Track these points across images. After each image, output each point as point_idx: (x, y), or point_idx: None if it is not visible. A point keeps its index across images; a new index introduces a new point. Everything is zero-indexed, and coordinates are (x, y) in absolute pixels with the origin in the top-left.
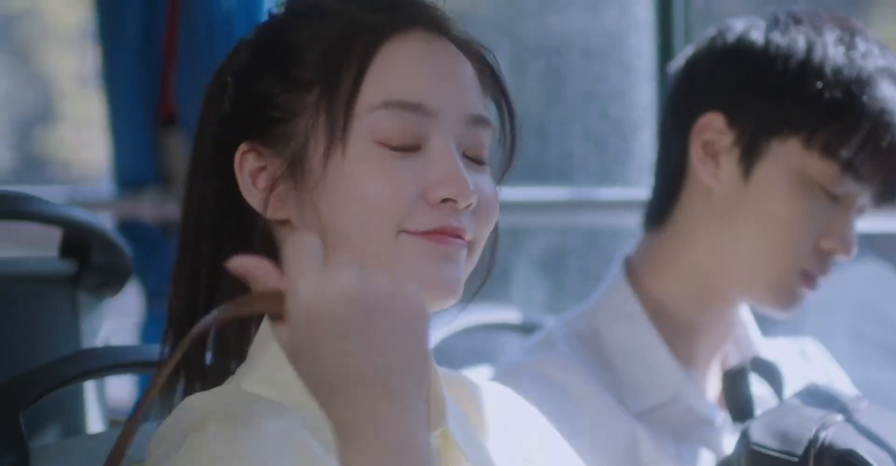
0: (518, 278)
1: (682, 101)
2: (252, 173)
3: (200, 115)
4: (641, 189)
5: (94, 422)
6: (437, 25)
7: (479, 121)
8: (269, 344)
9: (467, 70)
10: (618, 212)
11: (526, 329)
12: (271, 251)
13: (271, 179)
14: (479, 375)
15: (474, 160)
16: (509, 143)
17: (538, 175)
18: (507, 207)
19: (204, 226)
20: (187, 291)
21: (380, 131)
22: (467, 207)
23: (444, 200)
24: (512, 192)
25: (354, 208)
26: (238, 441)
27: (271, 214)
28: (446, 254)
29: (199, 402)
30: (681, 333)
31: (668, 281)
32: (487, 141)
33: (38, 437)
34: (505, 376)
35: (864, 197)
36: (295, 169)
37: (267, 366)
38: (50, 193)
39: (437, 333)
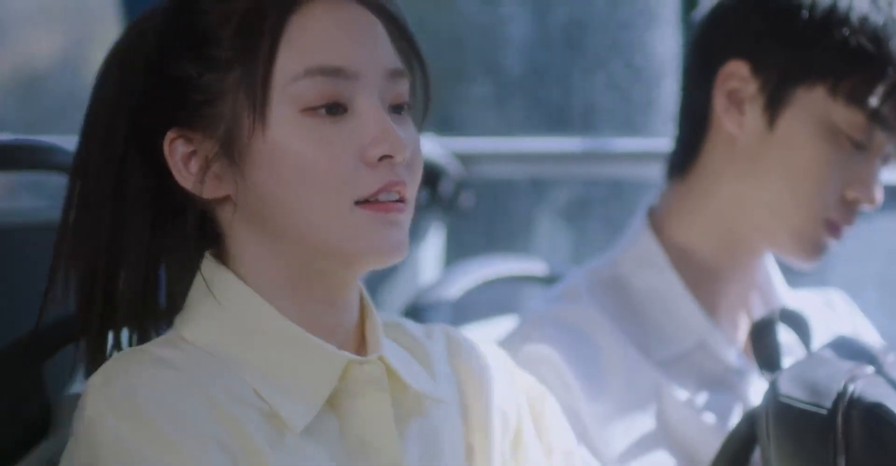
0: (541, 229)
1: (707, 49)
2: (183, 158)
3: (110, 99)
4: (664, 139)
5: None
6: None
7: (397, 73)
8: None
9: (378, 27)
10: (641, 163)
11: (550, 280)
12: (205, 231)
13: (204, 161)
14: (494, 329)
15: (397, 110)
16: (423, 91)
17: (561, 125)
18: (531, 158)
19: (132, 211)
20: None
21: (305, 99)
22: (402, 161)
23: (381, 158)
24: (535, 143)
25: (298, 180)
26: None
27: (208, 194)
28: (393, 221)
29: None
30: (705, 281)
31: (692, 230)
32: (406, 89)
33: (60, 387)
34: (528, 325)
35: (889, 145)
36: (228, 149)
37: (210, 314)
38: (71, 143)
39: (462, 285)
